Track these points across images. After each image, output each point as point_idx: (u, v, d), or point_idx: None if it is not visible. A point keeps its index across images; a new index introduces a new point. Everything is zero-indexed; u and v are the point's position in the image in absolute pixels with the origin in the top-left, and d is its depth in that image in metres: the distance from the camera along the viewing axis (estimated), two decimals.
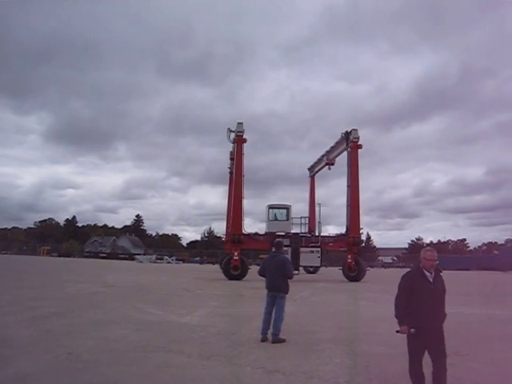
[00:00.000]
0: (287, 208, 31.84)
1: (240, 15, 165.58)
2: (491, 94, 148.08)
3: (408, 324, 4.92)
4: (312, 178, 44.50)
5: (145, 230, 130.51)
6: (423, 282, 4.97)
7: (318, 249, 30.47)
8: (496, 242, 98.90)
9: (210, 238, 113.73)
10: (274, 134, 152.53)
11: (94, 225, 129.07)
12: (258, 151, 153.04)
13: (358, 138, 31.83)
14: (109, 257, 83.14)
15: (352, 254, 30.28)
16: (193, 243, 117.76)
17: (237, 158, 31.69)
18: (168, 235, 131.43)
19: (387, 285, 26.86)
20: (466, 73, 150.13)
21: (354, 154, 31.91)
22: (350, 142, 32.14)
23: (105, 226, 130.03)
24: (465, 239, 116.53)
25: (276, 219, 31.61)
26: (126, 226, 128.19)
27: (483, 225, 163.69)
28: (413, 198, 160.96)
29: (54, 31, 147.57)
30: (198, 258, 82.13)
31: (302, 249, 30.03)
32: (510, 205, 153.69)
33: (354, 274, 29.81)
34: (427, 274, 5.01)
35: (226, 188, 42.24)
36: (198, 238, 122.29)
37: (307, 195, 43.98)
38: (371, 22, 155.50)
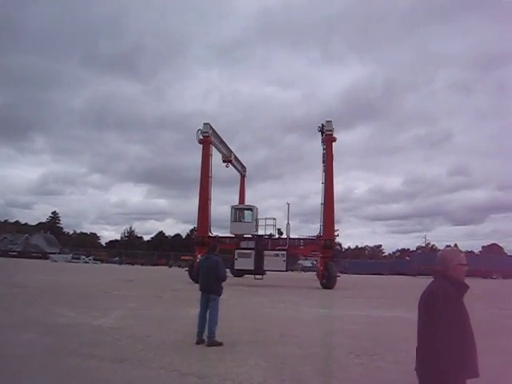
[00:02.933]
0: (251, 209, 30.61)
1: (173, 10, 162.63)
2: (412, 108, 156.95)
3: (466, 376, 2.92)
4: None
5: (61, 228, 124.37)
6: (463, 303, 3.08)
7: (284, 252, 28.89)
8: (409, 249, 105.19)
9: (130, 238, 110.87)
10: None
11: (5, 221, 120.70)
12: (184, 151, 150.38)
13: (331, 131, 29.78)
14: (20, 255, 78.01)
15: (322, 259, 28.13)
16: (112, 243, 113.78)
17: (203, 159, 30.70)
18: (86, 234, 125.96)
19: (307, 289, 27.67)
20: (390, 86, 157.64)
21: (328, 148, 29.87)
22: (323, 136, 30.48)
23: (17, 222, 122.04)
24: (380, 245, 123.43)
25: (240, 220, 30.23)
26: (40, 223, 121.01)
27: (398, 232, 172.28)
28: (335, 204, 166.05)
29: None
30: (117, 258, 79.62)
31: (266, 252, 28.56)
32: (423, 214, 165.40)
33: (324, 281, 27.28)
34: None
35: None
36: (118, 237, 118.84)
37: (235, 197, 42.03)
38: (304, 29, 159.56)
